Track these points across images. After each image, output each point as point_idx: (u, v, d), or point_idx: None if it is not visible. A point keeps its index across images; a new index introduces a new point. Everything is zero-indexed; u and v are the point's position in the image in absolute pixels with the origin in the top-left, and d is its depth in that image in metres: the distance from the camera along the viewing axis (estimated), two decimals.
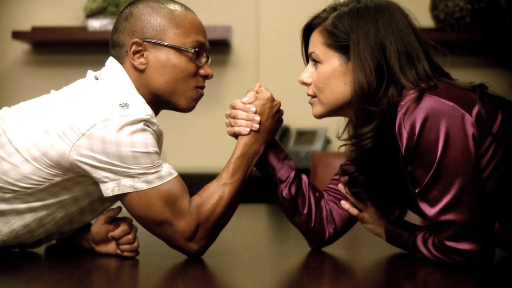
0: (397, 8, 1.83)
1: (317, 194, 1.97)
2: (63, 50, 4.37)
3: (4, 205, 1.79)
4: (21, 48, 4.39)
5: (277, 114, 1.95)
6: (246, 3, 4.34)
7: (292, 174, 1.95)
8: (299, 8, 4.25)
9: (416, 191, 1.73)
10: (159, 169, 1.78)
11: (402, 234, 1.86)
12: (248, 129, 1.90)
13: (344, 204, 1.95)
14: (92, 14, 4.23)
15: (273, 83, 4.30)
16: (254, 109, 1.91)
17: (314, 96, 1.88)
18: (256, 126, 1.90)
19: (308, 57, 1.91)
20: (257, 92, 1.94)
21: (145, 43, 1.87)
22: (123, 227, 1.84)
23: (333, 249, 1.97)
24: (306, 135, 4.16)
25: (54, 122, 1.77)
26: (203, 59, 1.93)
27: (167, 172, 1.79)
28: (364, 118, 1.78)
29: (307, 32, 1.92)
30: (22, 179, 1.77)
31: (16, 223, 1.81)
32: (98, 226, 1.86)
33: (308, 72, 1.88)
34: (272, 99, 1.95)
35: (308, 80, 1.88)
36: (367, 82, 1.76)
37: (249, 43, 4.34)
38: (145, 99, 1.86)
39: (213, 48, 4.30)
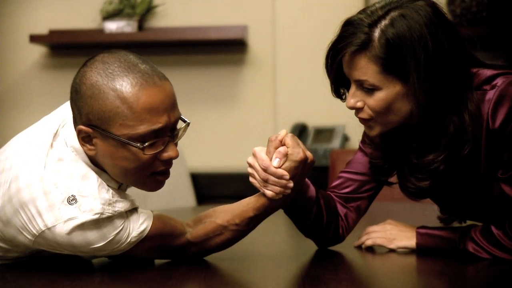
0: (430, 1, 1.73)
1: (331, 204, 1.92)
2: (81, 53, 4.38)
3: None
4: (38, 51, 4.42)
5: (309, 171, 1.77)
6: (262, 2, 4.34)
7: (314, 204, 1.87)
8: (315, 6, 4.25)
9: (503, 175, 1.72)
10: (128, 239, 1.66)
11: (442, 233, 1.84)
12: (280, 195, 1.73)
13: (368, 241, 1.93)
14: (109, 16, 4.25)
15: (290, 82, 4.32)
16: (287, 176, 1.71)
17: (370, 119, 1.76)
18: (289, 191, 1.73)
19: (333, 76, 1.78)
20: (282, 143, 1.73)
21: (92, 129, 1.61)
22: None
23: (349, 244, 1.97)
24: (324, 133, 4.15)
25: (10, 214, 1.63)
26: (162, 145, 1.62)
27: (138, 233, 1.67)
28: (429, 140, 1.74)
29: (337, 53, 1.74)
30: (7, 253, 1.71)
31: None
32: None
33: (357, 97, 1.74)
34: (305, 160, 1.73)
35: (359, 105, 1.75)
36: (430, 104, 1.69)
37: (265, 42, 4.34)
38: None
39: (229, 48, 4.34)
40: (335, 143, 4.08)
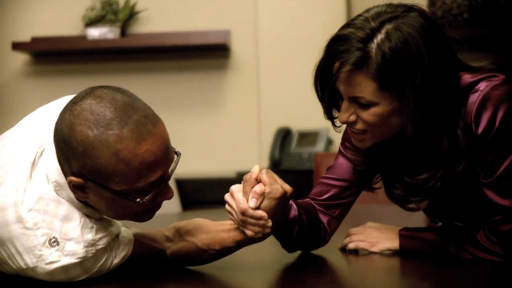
0: (422, 12, 1.67)
1: (312, 216, 1.90)
2: (63, 60, 4.38)
3: None
4: (21, 59, 4.41)
5: (289, 201, 1.71)
6: (244, 7, 4.35)
7: (296, 223, 1.85)
8: (297, 11, 4.26)
9: (486, 180, 1.70)
10: (111, 266, 1.63)
11: (425, 234, 1.84)
12: (260, 234, 1.66)
13: (351, 245, 1.93)
14: (91, 22, 4.24)
15: (273, 87, 4.32)
16: (266, 216, 1.63)
17: (364, 132, 1.71)
18: (269, 230, 1.65)
19: (327, 97, 1.72)
20: (258, 180, 1.65)
21: (85, 181, 1.52)
22: None
23: (333, 247, 1.98)
24: (308, 137, 4.17)
25: None
26: (158, 189, 1.56)
27: (120, 258, 1.64)
28: (422, 159, 1.71)
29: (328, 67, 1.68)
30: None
31: None
32: None
33: (350, 112, 1.68)
34: (284, 195, 1.65)
35: (352, 119, 1.69)
36: (426, 120, 1.65)
37: (248, 47, 4.35)
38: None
39: (212, 53, 4.34)
40: (319, 147, 4.09)
